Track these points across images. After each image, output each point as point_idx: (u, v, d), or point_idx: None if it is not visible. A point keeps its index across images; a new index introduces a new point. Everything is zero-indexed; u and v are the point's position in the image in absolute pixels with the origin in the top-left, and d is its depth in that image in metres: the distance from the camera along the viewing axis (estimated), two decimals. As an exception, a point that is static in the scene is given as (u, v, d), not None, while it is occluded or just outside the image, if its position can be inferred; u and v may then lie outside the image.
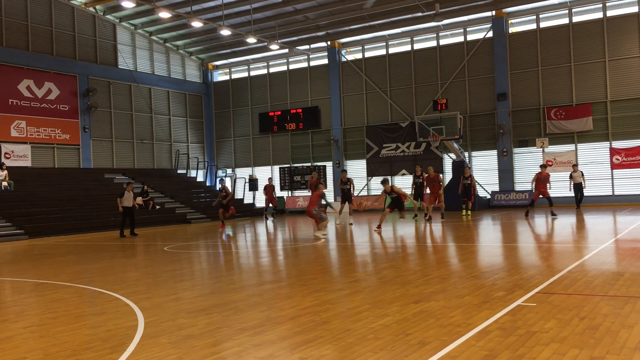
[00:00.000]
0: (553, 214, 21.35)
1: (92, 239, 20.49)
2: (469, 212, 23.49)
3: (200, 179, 37.24)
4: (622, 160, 27.24)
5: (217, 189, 25.57)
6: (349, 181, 23.51)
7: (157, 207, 28.72)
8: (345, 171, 24.47)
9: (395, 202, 18.78)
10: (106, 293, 8.56)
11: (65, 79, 30.68)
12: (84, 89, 31.28)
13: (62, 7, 30.87)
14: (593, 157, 27.94)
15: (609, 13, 27.91)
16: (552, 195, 28.75)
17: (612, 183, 27.72)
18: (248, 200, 35.21)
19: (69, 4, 31.07)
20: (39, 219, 23.67)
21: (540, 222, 20.13)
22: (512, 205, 28.89)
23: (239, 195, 35.72)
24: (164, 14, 26.78)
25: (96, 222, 24.45)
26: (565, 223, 18.88)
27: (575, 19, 28.72)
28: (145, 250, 16.13)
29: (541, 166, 22.43)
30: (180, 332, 5.93)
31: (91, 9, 31.89)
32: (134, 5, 26.13)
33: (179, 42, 36.69)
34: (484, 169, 30.70)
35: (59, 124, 30.21)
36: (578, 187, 24.92)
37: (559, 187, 28.95)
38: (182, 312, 6.97)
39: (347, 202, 23.26)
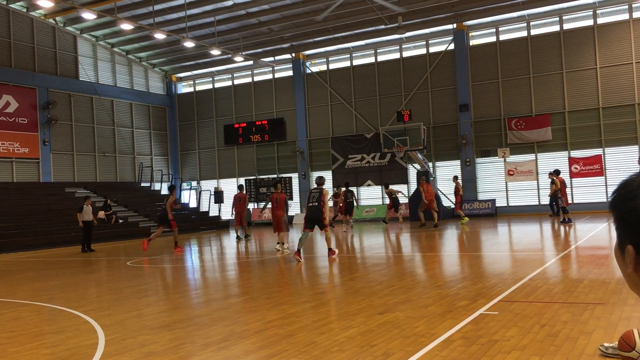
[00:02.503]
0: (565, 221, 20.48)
1: (52, 254, 20.00)
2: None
3: (164, 192, 36.74)
4: (580, 169, 27.94)
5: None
6: (351, 193, 24.19)
7: (120, 221, 28.24)
8: (347, 184, 24.53)
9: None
10: (66, 310, 8.36)
11: (24, 91, 29.99)
12: (43, 101, 30.63)
13: (21, 18, 30.25)
14: (552, 167, 28.49)
15: (566, 26, 28.72)
16: (518, 204, 29.55)
17: (571, 191, 28.36)
18: (214, 212, 34.88)
19: (28, 15, 30.47)
20: (-4, 235, 23.00)
21: (503, 230, 20.47)
22: (476, 214, 29.30)
23: (204, 207, 35.40)
24: (126, 26, 26.48)
25: (56, 238, 23.89)
26: (526, 231, 19.24)
27: (534, 32, 29.46)
28: (107, 266, 15.82)
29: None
30: (142, 349, 5.82)
31: (51, 20, 31.32)
32: (95, 17, 25.79)
33: (142, 54, 36.30)
34: (448, 178, 31.07)
35: (17, 138, 29.49)
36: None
37: (523, 195, 29.59)
38: (145, 328, 6.85)
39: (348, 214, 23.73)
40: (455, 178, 25.13)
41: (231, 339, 6.05)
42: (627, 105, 27.18)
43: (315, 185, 14.05)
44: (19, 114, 29.65)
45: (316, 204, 13.47)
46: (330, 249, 13.75)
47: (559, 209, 22.59)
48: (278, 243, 16.07)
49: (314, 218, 13.42)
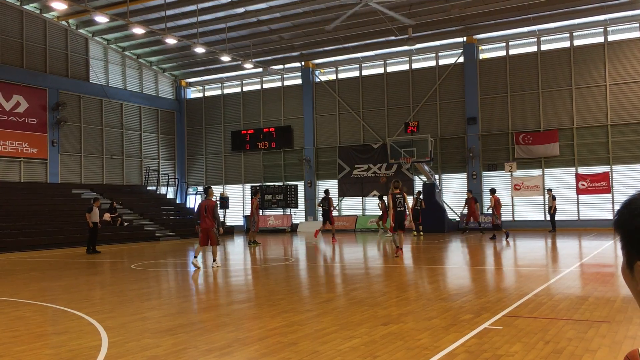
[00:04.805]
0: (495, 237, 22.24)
1: (57, 255, 20.05)
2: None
3: (170, 196, 36.85)
4: (588, 186, 27.83)
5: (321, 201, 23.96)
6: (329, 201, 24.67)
7: (126, 223, 28.30)
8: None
9: None
10: (69, 312, 8.37)
11: (34, 92, 30.19)
12: (53, 102, 30.81)
13: (33, 20, 30.49)
14: (559, 182, 28.49)
15: (576, 42, 28.71)
16: (523, 218, 29.57)
17: (578, 208, 28.27)
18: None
19: (41, 17, 30.71)
20: (2, 234, 23.07)
21: (509, 245, 20.39)
22: (482, 227, 29.14)
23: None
24: (138, 30, 26.63)
25: (62, 239, 23.95)
26: (532, 247, 19.16)
27: (544, 47, 29.45)
28: (111, 268, 15.85)
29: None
30: (145, 352, 5.82)
31: (64, 22, 31.57)
32: (107, 20, 25.98)
33: (153, 58, 36.50)
34: (454, 191, 31.04)
35: (26, 138, 29.65)
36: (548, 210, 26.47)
37: (529, 210, 29.49)
38: (148, 332, 6.85)
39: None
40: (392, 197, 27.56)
41: (234, 345, 6.04)
42: (636, 123, 27.08)
43: (391, 189, 15.90)
44: (29, 115, 29.83)
45: (402, 208, 15.63)
46: (400, 248, 15.90)
47: (548, 224, 25.36)
48: (214, 260, 14.25)
49: (401, 220, 15.68)
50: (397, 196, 15.60)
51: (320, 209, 24.91)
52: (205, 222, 14.12)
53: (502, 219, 29.32)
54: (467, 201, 25.38)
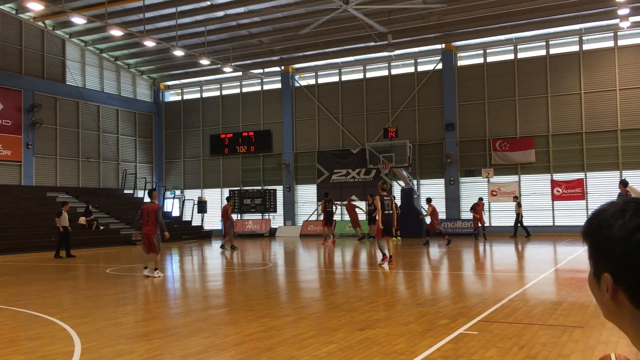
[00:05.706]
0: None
1: (30, 259, 19.73)
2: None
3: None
4: (562, 192, 28.23)
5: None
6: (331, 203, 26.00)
7: (102, 227, 27.96)
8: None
9: None
10: (42, 317, 8.23)
11: (9, 93, 29.70)
12: (29, 104, 30.35)
13: (9, 20, 30.03)
14: (535, 189, 28.85)
15: (552, 51, 29.16)
16: (500, 224, 29.85)
17: (553, 214, 28.65)
18: (196, 222, 34.68)
19: (17, 18, 30.27)
20: (-26, 237, 22.63)
21: (484, 250, 20.57)
22: (459, 233, 29.42)
23: (187, 217, 35.19)
24: (116, 32, 26.38)
25: (35, 242, 23.57)
26: (507, 252, 19.36)
27: (520, 55, 29.86)
28: (86, 272, 15.64)
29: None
30: (119, 358, 5.75)
31: (40, 23, 31.14)
32: (85, 21, 25.69)
33: (131, 61, 36.18)
34: (431, 197, 31.18)
35: (0, 140, 29.15)
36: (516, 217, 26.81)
37: (505, 216, 29.79)
38: (122, 337, 6.77)
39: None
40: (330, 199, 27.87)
41: (210, 351, 6.00)
42: (610, 131, 27.56)
43: (375, 191, 15.68)
44: (3, 116, 29.33)
45: (390, 211, 14.75)
46: (391, 256, 14.71)
47: (521, 231, 26.18)
48: (145, 267, 13.33)
49: (390, 224, 14.72)
50: (385, 198, 14.90)
51: (322, 211, 25.87)
52: (146, 227, 13.22)
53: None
54: (475, 207, 25.70)
